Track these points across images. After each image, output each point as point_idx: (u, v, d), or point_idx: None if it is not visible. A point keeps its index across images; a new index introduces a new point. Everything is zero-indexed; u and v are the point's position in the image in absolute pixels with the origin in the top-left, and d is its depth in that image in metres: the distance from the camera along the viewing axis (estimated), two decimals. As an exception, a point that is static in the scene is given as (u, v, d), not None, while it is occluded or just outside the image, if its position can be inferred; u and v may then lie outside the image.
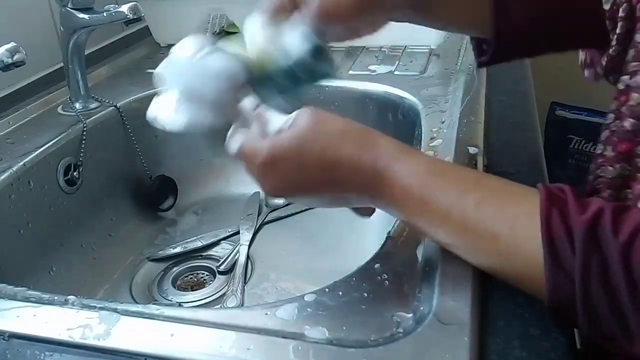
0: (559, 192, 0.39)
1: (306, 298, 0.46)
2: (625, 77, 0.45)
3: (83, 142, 0.79)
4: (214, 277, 0.77)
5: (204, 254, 0.82)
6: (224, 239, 0.84)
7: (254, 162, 0.44)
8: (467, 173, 0.46)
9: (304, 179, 0.44)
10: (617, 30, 0.49)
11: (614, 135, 0.45)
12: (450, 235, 0.43)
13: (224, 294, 0.73)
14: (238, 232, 0.84)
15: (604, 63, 0.52)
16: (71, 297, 0.47)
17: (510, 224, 0.40)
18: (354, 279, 0.48)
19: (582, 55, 0.60)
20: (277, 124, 0.46)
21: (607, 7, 0.51)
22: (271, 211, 0.88)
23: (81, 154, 0.78)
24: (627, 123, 0.44)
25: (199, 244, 0.83)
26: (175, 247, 0.82)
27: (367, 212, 0.49)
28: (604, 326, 0.35)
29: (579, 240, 0.35)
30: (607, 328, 0.35)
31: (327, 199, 0.46)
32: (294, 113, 0.46)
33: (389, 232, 0.54)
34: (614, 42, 0.49)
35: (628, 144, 0.43)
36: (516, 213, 0.40)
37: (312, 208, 0.88)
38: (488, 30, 0.57)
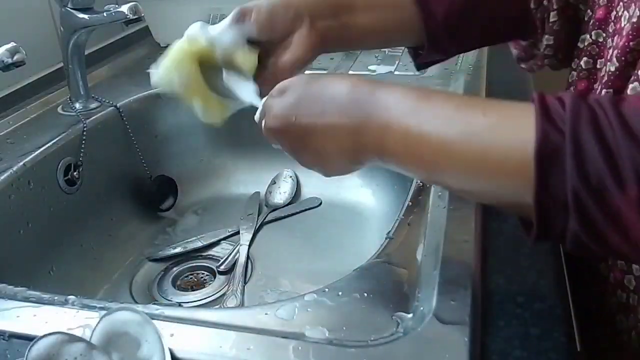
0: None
1: (306, 298, 0.46)
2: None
3: (83, 142, 0.79)
4: (214, 277, 0.77)
5: (204, 254, 0.82)
6: (224, 239, 0.84)
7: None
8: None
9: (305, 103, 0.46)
10: (551, 19, 0.55)
11: None
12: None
13: (224, 294, 0.73)
14: (238, 232, 0.84)
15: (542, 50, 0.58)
16: (71, 297, 0.47)
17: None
18: (354, 279, 0.48)
19: (514, 51, 0.64)
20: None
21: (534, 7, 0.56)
22: (271, 211, 0.88)
23: (81, 154, 0.78)
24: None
25: (199, 244, 0.83)
26: (175, 247, 0.82)
27: None
28: (592, 172, 0.32)
29: (568, 99, 0.35)
30: (595, 173, 0.32)
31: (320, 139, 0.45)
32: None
33: (389, 232, 0.54)
34: (549, 30, 0.55)
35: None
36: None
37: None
38: (414, 33, 0.59)
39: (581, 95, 0.35)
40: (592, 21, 0.50)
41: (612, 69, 0.45)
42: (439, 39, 0.59)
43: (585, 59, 0.51)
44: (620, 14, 0.46)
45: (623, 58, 0.43)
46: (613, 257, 0.35)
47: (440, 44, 0.59)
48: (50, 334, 0.39)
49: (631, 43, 0.42)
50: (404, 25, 0.58)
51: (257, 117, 0.51)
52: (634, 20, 0.42)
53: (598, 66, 0.49)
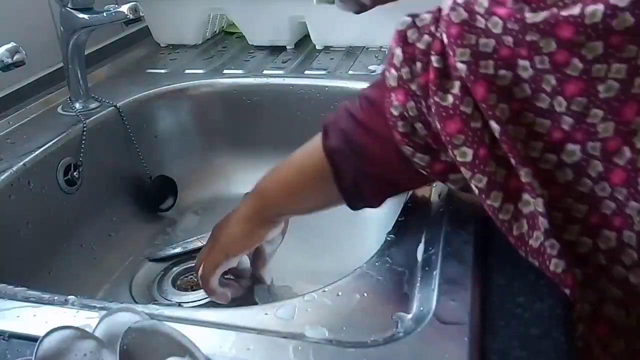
0: None
1: (306, 298, 0.46)
2: None
3: (83, 142, 0.79)
4: (214, 277, 0.77)
5: (204, 254, 0.82)
6: (224, 239, 0.84)
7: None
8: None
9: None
10: None
11: None
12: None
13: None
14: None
15: None
16: (71, 297, 0.47)
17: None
18: (354, 279, 0.48)
19: None
20: None
21: None
22: (271, 211, 0.88)
23: (81, 154, 0.78)
24: None
25: (199, 244, 0.82)
26: (175, 247, 0.82)
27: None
28: (346, 128, 0.50)
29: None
30: (348, 128, 0.50)
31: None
32: None
33: (389, 232, 0.54)
34: None
35: None
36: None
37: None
38: None
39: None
40: None
41: None
42: None
43: None
44: None
45: None
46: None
47: None
48: (63, 327, 0.39)
49: None
50: None
51: None
52: None
53: None
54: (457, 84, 0.41)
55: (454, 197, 0.56)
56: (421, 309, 0.43)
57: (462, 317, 0.41)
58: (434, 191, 0.58)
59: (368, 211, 0.57)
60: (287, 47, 1.06)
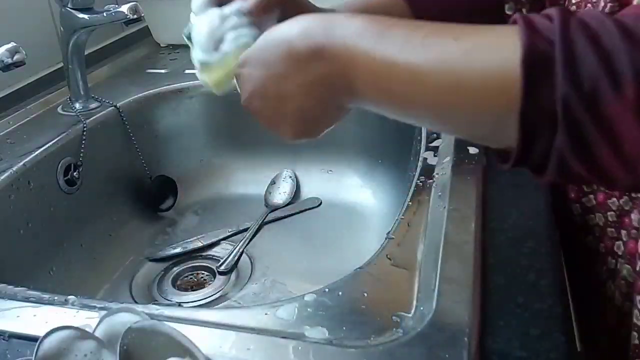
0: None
1: (306, 298, 0.46)
2: None
3: (83, 142, 0.79)
4: (214, 277, 0.77)
5: (204, 254, 0.82)
6: (224, 239, 0.84)
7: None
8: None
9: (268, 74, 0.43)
10: None
11: None
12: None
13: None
14: (238, 232, 0.84)
15: None
16: (71, 297, 0.47)
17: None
18: (354, 278, 0.48)
19: None
20: None
21: (509, 12, 0.55)
22: (271, 211, 0.88)
23: (81, 154, 0.78)
24: None
25: (199, 244, 0.83)
26: (175, 247, 0.82)
27: None
28: (585, 75, 0.30)
29: (556, 11, 0.32)
30: (589, 76, 0.30)
31: (296, 98, 0.42)
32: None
33: (389, 232, 0.54)
34: None
35: None
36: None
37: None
38: None
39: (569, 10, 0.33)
40: None
41: None
42: None
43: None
44: None
45: None
46: (597, 181, 0.33)
47: None
48: (63, 327, 0.39)
49: None
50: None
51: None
52: None
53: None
54: None
55: (454, 197, 0.56)
56: (421, 309, 0.43)
57: (462, 317, 0.41)
58: (434, 191, 0.58)
59: (368, 211, 0.57)
60: (287, 47, 1.06)
